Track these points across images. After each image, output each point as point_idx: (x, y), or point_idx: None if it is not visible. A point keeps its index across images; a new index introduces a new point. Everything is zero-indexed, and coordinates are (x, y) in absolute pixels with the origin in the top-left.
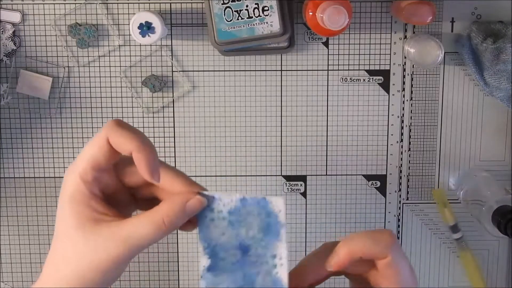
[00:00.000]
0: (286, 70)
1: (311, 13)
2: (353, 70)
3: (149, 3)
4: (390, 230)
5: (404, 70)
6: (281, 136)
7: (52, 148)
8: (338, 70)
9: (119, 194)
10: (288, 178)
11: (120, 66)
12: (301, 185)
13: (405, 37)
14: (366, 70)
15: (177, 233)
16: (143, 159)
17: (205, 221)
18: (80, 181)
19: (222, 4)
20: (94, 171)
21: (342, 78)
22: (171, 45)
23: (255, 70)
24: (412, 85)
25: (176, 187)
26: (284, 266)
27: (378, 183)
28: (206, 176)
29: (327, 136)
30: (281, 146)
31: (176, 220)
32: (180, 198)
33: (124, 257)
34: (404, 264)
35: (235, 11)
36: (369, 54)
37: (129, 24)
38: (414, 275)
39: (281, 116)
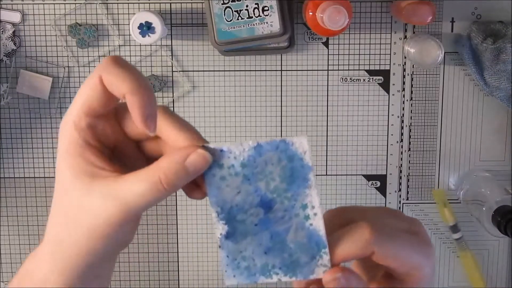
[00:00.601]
0: (286, 70)
1: (311, 13)
2: (353, 70)
3: (149, 3)
4: (364, 222)
5: (404, 70)
6: (281, 136)
7: (52, 148)
8: (338, 70)
9: (124, 147)
10: None
11: None
12: None
13: (405, 37)
14: (366, 70)
15: (177, 233)
16: (136, 102)
17: (214, 181)
18: (73, 129)
19: (222, 4)
20: (88, 117)
21: (342, 78)
22: (171, 45)
23: (255, 70)
24: (412, 85)
25: (180, 141)
26: (318, 215)
27: (378, 183)
28: None
29: (327, 136)
30: None
31: (176, 180)
32: (180, 153)
33: (120, 220)
34: (397, 248)
35: (235, 11)
36: (369, 54)
37: (129, 24)
38: (418, 247)
39: (281, 116)
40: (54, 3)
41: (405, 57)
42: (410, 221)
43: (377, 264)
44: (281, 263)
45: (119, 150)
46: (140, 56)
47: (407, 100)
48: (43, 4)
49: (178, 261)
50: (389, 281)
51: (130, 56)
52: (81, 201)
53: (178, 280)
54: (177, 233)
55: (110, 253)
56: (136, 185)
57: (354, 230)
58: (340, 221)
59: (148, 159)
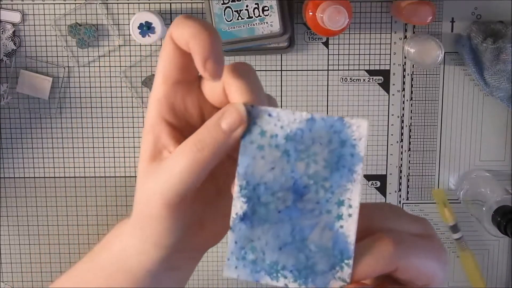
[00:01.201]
0: (286, 70)
1: (311, 13)
2: (353, 70)
3: (149, 3)
4: (384, 235)
5: (404, 70)
6: None
7: (52, 148)
8: (338, 70)
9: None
10: None
11: (120, 66)
12: None
13: (405, 37)
14: (366, 70)
15: None
16: (196, 44)
17: (250, 149)
18: (152, 104)
19: (222, 4)
20: (165, 85)
21: (342, 78)
22: None
23: (255, 70)
24: (412, 85)
25: (232, 94)
26: (353, 218)
27: (378, 183)
28: None
29: None
30: None
31: (212, 142)
32: (214, 117)
33: (172, 205)
34: (420, 261)
35: (235, 11)
36: (369, 54)
37: (129, 24)
38: (437, 255)
39: None
40: (54, 3)
41: (405, 57)
42: (421, 223)
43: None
44: (293, 266)
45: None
46: (140, 56)
47: (407, 100)
48: (43, 4)
49: None
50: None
51: (130, 56)
52: (143, 182)
53: None
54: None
55: (185, 231)
56: (175, 161)
57: (377, 243)
58: None
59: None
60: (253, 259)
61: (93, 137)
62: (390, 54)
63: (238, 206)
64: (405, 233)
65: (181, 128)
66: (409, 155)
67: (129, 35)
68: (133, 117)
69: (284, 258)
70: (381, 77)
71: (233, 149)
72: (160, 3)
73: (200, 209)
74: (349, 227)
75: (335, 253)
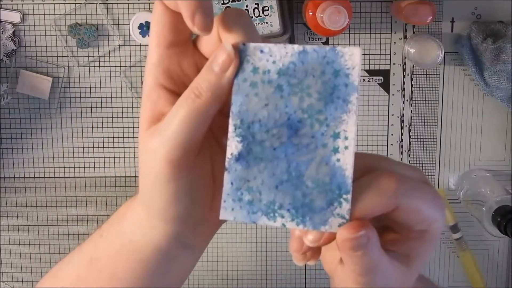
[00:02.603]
0: None
1: (311, 13)
2: None
3: (149, 3)
4: (392, 172)
5: (404, 70)
6: None
7: (52, 148)
8: None
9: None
10: None
11: (120, 66)
12: None
13: (405, 37)
14: (366, 70)
15: None
16: (184, 0)
17: (243, 87)
18: (148, 70)
19: (222, 4)
20: (159, 48)
21: None
22: None
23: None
24: (412, 85)
25: (223, 37)
26: (349, 150)
27: None
28: None
29: None
30: None
31: (207, 86)
32: (210, 58)
33: (176, 159)
34: (421, 201)
35: None
36: (369, 54)
37: (129, 24)
38: (436, 198)
39: None
40: (54, 3)
41: (405, 57)
42: (417, 170)
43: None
44: (291, 203)
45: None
46: (140, 56)
47: (407, 100)
48: (43, 4)
49: None
50: (393, 235)
51: (130, 56)
52: (144, 148)
53: None
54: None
55: (189, 199)
56: (175, 114)
57: (378, 179)
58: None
59: None
60: (250, 199)
61: (93, 137)
62: (390, 54)
63: (233, 146)
64: (407, 174)
65: (179, 93)
66: (409, 155)
67: (129, 35)
68: (133, 117)
69: (281, 196)
70: (381, 77)
71: (229, 94)
72: None
73: (207, 174)
74: (346, 160)
75: (333, 188)
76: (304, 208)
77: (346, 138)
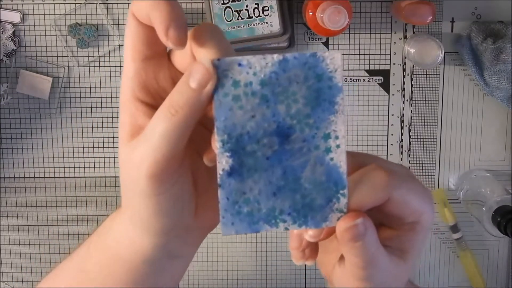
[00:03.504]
0: None
1: (311, 13)
2: (353, 70)
3: None
4: (377, 165)
5: (404, 70)
6: None
7: (52, 148)
8: None
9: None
10: None
11: (120, 66)
12: None
13: (405, 37)
14: (366, 70)
15: None
16: (157, 14)
17: (225, 102)
18: (124, 84)
19: (222, 4)
20: (134, 62)
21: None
22: None
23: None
24: (412, 85)
25: (197, 53)
26: (341, 148)
27: None
28: None
29: None
30: None
31: (183, 101)
32: (183, 78)
33: (157, 173)
34: (411, 193)
35: (235, 11)
36: (369, 54)
37: None
38: (424, 191)
39: None
40: (54, 3)
41: (405, 57)
42: (405, 167)
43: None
44: (291, 207)
45: None
46: None
47: (407, 100)
48: (43, 4)
49: None
50: (386, 229)
51: None
52: (125, 162)
53: None
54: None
55: (174, 210)
56: (154, 128)
57: (370, 173)
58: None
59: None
60: (249, 211)
61: (93, 137)
62: (390, 54)
63: (223, 162)
64: (396, 169)
65: (157, 106)
66: (409, 155)
67: None
68: None
69: (280, 202)
70: (381, 77)
71: (208, 108)
72: None
73: (188, 183)
74: (339, 158)
75: (330, 186)
76: (304, 209)
77: (336, 137)
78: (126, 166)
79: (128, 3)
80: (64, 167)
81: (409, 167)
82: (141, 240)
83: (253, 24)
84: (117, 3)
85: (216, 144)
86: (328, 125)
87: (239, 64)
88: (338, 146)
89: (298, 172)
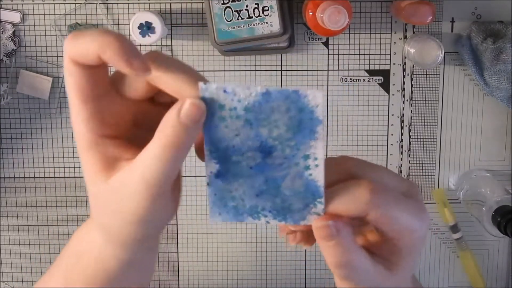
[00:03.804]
0: (286, 70)
1: (311, 13)
2: (353, 70)
3: (149, 3)
4: (366, 181)
5: (404, 70)
6: None
7: (52, 148)
8: (338, 70)
9: (140, 116)
10: None
11: None
12: None
13: (405, 37)
14: (366, 70)
15: (177, 233)
16: (111, 50)
17: (212, 120)
18: (79, 125)
19: (222, 4)
20: (86, 104)
21: (342, 78)
22: (171, 45)
23: (255, 70)
24: (412, 85)
25: (178, 87)
26: (320, 168)
27: None
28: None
29: (327, 136)
30: None
31: (178, 140)
32: (172, 112)
33: (147, 200)
34: (392, 214)
35: (235, 11)
36: (369, 54)
37: (129, 24)
38: (413, 211)
39: None
40: (54, 3)
41: (405, 57)
42: (408, 183)
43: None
44: (271, 207)
45: (139, 123)
46: None
47: (407, 100)
48: (43, 4)
49: (178, 261)
50: (377, 238)
51: None
52: (110, 194)
53: (178, 280)
54: (177, 233)
55: (152, 234)
56: (148, 161)
57: (354, 188)
58: (339, 170)
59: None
60: (234, 205)
61: None
62: (390, 54)
63: (211, 166)
64: (387, 186)
65: (122, 134)
66: (409, 155)
67: (129, 35)
68: None
69: (262, 202)
70: (381, 77)
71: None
72: (160, 3)
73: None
74: (318, 175)
75: (308, 195)
76: (284, 210)
77: (315, 158)
78: (110, 198)
79: (128, 3)
80: (64, 167)
81: (409, 167)
82: (114, 249)
83: (253, 24)
84: (117, 3)
85: (205, 151)
86: (308, 148)
87: (224, 91)
88: (317, 165)
89: (278, 181)
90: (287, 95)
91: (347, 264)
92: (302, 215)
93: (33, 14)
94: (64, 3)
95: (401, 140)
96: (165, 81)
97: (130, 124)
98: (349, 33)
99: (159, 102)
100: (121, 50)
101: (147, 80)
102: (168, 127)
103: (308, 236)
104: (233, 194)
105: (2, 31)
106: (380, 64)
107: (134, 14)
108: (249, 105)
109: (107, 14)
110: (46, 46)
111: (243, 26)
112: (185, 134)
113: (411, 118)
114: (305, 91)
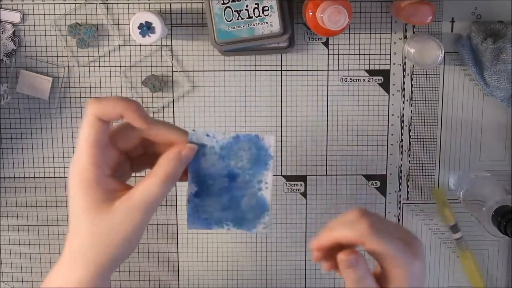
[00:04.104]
0: (286, 70)
1: (311, 13)
2: (353, 70)
3: (149, 3)
4: (367, 217)
5: (404, 70)
6: (281, 136)
7: (52, 148)
8: (338, 70)
9: (120, 164)
10: (288, 178)
11: (120, 66)
12: (301, 185)
13: (405, 37)
14: (366, 70)
15: (177, 233)
16: (135, 112)
17: (196, 156)
18: (90, 165)
19: (222, 4)
20: (100, 150)
21: (342, 78)
22: (171, 45)
23: (255, 70)
24: (412, 85)
25: (171, 137)
26: (268, 189)
27: (378, 183)
28: None
29: (327, 136)
30: (281, 146)
31: (176, 172)
32: (174, 151)
33: (143, 222)
34: (383, 250)
35: (235, 11)
36: (369, 54)
37: (129, 24)
38: (404, 258)
39: (281, 116)
40: (54, 3)
41: (405, 57)
42: (408, 232)
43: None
44: (233, 219)
45: (117, 168)
46: (140, 56)
47: (407, 100)
48: (43, 4)
49: (178, 261)
50: (378, 269)
51: (130, 56)
52: (112, 219)
53: (178, 280)
54: (177, 233)
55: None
56: (148, 189)
57: (355, 220)
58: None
59: (134, 166)
60: (205, 217)
61: None
62: (390, 54)
63: (191, 188)
64: (386, 228)
65: (112, 172)
66: (409, 155)
67: (129, 35)
68: None
69: (226, 215)
70: (381, 77)
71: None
72: (160, 3)
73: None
74: (266, 194)
75: (259, 209)
76: (241, 220)
77: (266, 182)
78: (109, 227)
79: (128, 3)
80: (64, 167)
81: (409, 167)
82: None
83: (253, 24)
84: (117, 3)
85: (188, 177)
86: (261, 175)
87: (207, 135)
88: (266, 188)
89: (239, 199)
90: (250, 138)
91: (359, 285)
92: (254, 224)
93: (33, 14)
94: (64, 3)
95: (401, 140)
96: (162, 133)
97: (116, 166)
98: (349, 33)
99: (130, 155)
100: (140, 112)
101: (145, 134)
102: (170, 163)
103: (324, 258)
104: (205, 209)
105: (2, 31)
106: (380, 64)
107: (134, 14)
108: (224, 145)
109: (107, 14)
110: (46, 46)
111: (243, 26)
112: (181, 168)
113: (411, 118)
114: (263, 136)
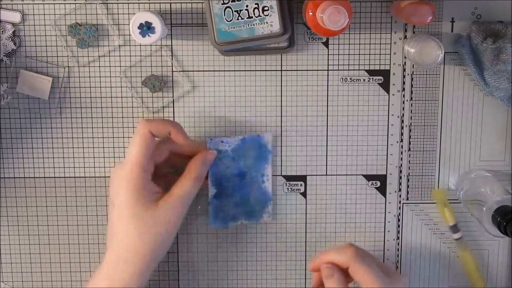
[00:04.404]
0: (286, 70)
1: (311, 13)
2: (353, 70)
3: (149, 3)
4: (354, 247)
5: (404, 70)
6: (281, 136)
7: (52, 148)
8: (338, 70)
9: (155, 172)
10: (288, 178)
11: (120, 66)
12: (301, 185)
13: (405, 37)
14: (366, 70)
15: (177, 234)
16: (179, 131)
17: (214, 162)
18: (141, 171)
19: (222, 4)
20: (148, 160)
21: (342, 78)
22: (171, 45)
23: (255, 70)
24: (412, 85)
25: (194, 147)
26: (269, 181)
27: (378, 183)
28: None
29: (327, 136)
30: (281, 146)
31: (203, 173)
32: (201, 157)
33: (183, 212)
34: (363, 271)
35: (235, 11)
36: (369, 54)
37: (129, 24)
38: (379, 279)
39: (281, 116)
40: (54, 3)
41: (405, 57)
42: (389, 267)
43: None
44: (244, 213)
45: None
46: (140, 56)
47: (407, 100)
48: (43, 4)
49: (178, 261)
50: None
51: (130, 56)
52: (157, 215)
53: (178, 280)
54: (177, 234)
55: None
56: (184, 186)
57: (345, 247)
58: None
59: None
60: (223, 216)
61: (93, 137)
62: (390, 54)
63: (211, 190)
64: (369, 259)
65: (152, 177)
66: (409, 155)
67: (129, 35)
68: (133, 117)
69: (239, 211)
70: (381, 77)
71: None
72: (160, 3)
73: None
74: (268, 186)
75: (264, 199)
76: (251, 213)
77: (267, 175)
78: (155, 222)
79: (128, 3)
80: (64, 167)
81: (409, 167)
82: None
83: (253, 24)
84: (117, 3)
85: (208, 181)
86: (263, 169)
87: (222, 141)
88: (268, 180)
89: (248, 195)
90: (254, 138)
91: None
92: (260, 215)
93: (33, 14)
94: (64, 3)
95: (401, 140)
96: (191, 146)
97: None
98: (349, 33)
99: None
100: (183, 131)
101: (175, 148)
102: (198, 166)
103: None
104: (223, 208)
105: (2, 31)
106: (380, 64)
107: (134, 14)
108: (234, 148)
109: (107, 14)
110: (46, 46)
111: (243, 26)
112: (206, 170)
113: (411, 118)
114: (263, 134)
